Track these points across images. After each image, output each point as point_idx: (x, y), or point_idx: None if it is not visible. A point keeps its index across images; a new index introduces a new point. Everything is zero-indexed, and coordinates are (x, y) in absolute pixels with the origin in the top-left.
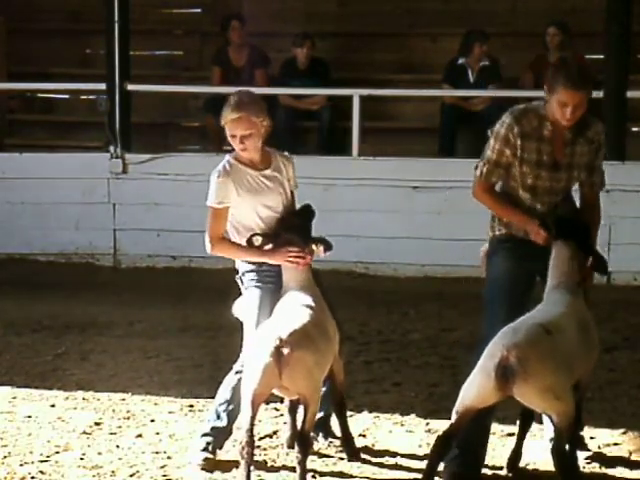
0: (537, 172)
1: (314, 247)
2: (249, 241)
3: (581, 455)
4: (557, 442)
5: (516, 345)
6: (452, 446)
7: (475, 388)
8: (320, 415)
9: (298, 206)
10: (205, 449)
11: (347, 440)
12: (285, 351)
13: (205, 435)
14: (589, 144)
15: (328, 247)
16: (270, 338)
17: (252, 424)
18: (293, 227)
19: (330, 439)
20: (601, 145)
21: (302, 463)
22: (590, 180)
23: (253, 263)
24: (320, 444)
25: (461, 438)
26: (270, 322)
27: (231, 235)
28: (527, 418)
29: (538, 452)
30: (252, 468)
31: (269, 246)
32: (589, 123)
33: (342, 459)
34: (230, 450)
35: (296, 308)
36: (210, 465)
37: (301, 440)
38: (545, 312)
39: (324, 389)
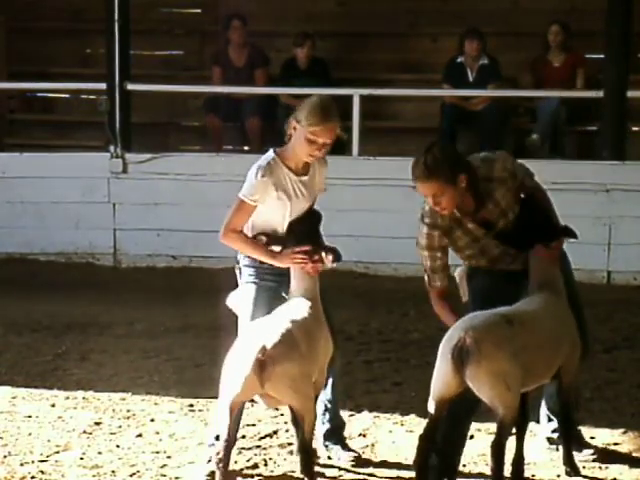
0: (479, 245)
1: (323, 255)
2: (254, 238)
3: (584, 453)
4: (498, 437)
5: (473, 328)
6: (435, 441)
7: (437, 374)
8: (329, 427)
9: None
10: (210, 461)
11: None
12: (267, 365)
13: (211, 445)
14: (503, 183)
15: (337, 257)
16: (254, 347)
17: (230, 433)
18: (302, 233)
19: (348, 452)
20: (515, 171)
21: (306, 474)
22: (530, 192)
23: (254, 259)
24: (336, 457)
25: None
26: (256, 327)
27: (249, 232)
28: (522, 420)
29: (538, 452)
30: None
31: (277, 248)
32: (487, 173)
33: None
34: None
35: (286, 314)
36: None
37: (302, 451)
38: (513, 307)
39: (328, 399)
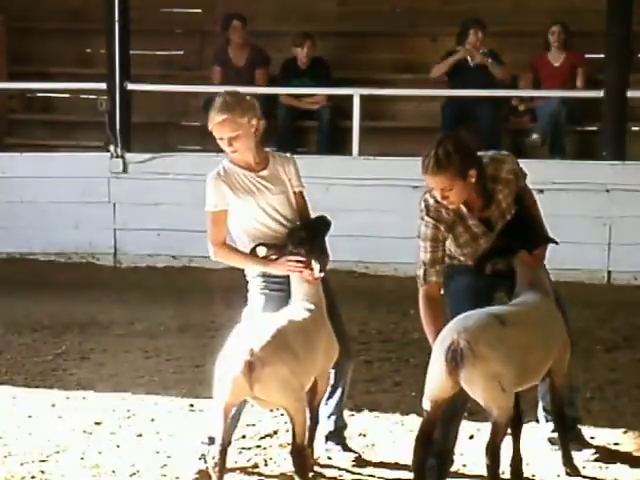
0: (477, 244)
1: (313, 263)
2: (252, 251)
3: (586, 453)
4: (493, 438)
5: (466, 329)
6: (432, 443)
7: (431, 376)
8: (332, 428)
9: (311, 210)
10: (202, 458)
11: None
12: (256, 366)
13: (203, 443)
14: (507, 185)
15: (322, 269)
16: (242, 350)
17: (224, 436)
18: (300, 238)
19: (348, 452)
20: (519, 174)
21: (300, 476)
22: (521, 193)
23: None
24: (336, 457)
25: (437, 445)
26: (245, 330)
27: (238, 244)
28: (517, 420)
29: (538, 452)
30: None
31: (273, 257)
32: (494, 173)
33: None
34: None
35: (281, 316)
36: (205, 476)
37: (295, 454)
38: (505, 307)
39: (336, 399)
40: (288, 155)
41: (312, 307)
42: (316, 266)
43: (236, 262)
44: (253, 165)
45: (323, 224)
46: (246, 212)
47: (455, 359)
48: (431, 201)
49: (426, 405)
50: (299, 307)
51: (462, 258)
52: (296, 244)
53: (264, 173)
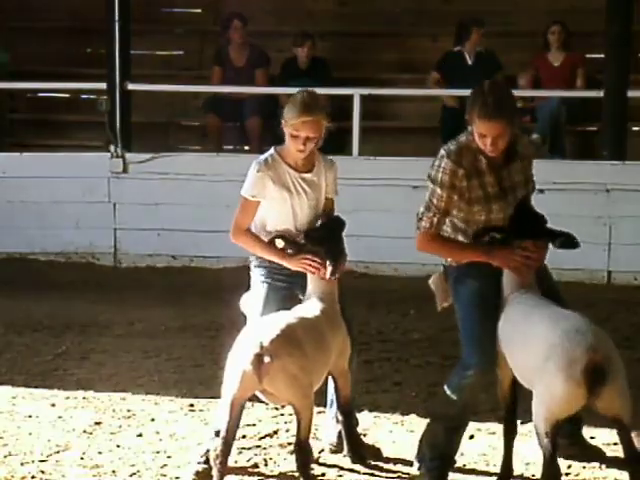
0: (488, 206)
1: (327, 264)
2: (271, 241)
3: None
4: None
5: (598, 346)
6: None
7: (559, 393)
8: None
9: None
10: (204, 456)
11: (353, 447)
12: (265, 359)
13: (210, 440)
14: (521, 160)
15: (333, 272)
16: (252, 343)
17: (230, 430)
18: (317, 239)
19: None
20: (531, 159)
21: (302, 472)
22: (526, 190)
23: (264, 259)
24: (336, 457)
25: (441, 449)
26: (257, 323)
27: (261, 232)
28: (513, 425)
29: (538, 452)
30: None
31: (290, 251)
32: (516, 140)
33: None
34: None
35: (293, 312)
36: (203, 477)
37: (298, 449)
38: (570, 311)
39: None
40: (332, 160)
41: (326, 306)
42: (329, 268)
43: (253, 249)
44: (300, 165)
45: (339, 224)
46: (277, 208)
47: (594, 379)
48: (452, 147)
49: (547, 428)
50: (312, 303)
51: (465, 225)
52: (314, 244)
53: (307, 176)
